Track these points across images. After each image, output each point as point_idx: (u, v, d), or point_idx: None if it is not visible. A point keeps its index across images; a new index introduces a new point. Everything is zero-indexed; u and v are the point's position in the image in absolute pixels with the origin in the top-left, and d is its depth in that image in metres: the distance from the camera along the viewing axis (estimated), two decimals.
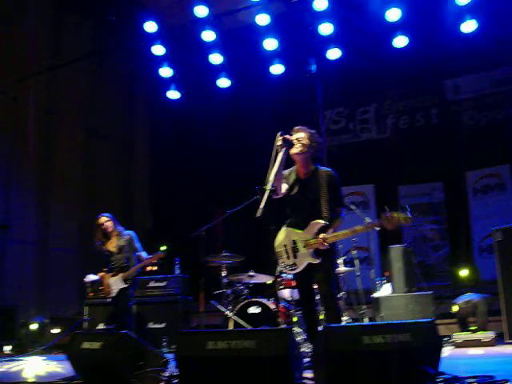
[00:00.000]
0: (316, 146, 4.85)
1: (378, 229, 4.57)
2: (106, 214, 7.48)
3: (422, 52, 9.77)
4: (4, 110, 9.80)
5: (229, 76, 9.98)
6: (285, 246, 4.80)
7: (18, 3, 10.21)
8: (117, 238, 7.39)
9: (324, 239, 4.54)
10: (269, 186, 4.27)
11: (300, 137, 4.76)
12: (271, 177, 4.37)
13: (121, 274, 7.21)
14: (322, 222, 4.62)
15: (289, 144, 4.63)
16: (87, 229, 9.61)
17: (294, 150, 4.71)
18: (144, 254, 7.34)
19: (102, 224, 7.38)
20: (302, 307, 5.03)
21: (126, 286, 7.19)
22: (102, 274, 7.45)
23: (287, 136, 4.66)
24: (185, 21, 9.63)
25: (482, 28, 8.42)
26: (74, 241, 11.06)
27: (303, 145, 4.75)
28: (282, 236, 4.86)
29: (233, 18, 9.65)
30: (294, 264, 4.73)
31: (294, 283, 6.55)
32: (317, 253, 4.63)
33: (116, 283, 7.22)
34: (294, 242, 4.72)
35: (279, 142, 4.58)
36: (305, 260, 4.66)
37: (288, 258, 4.78)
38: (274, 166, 4.48)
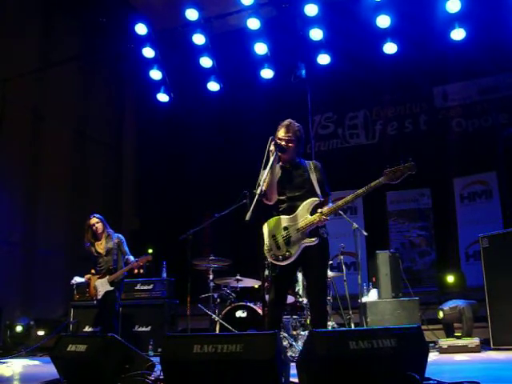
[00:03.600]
0: (303, 139, 4.84)
1: (383, 181, 4.38)
2: (97, 215, 7.47)
3: (412, 59, 9.82)
4: None
5: (219, 79, 9.96)
6: (273, 236, 4.60)
7: (4, 2, 10.14)
8: (106, 240, 7.39)
9: (322, 213, 4.45)
10: (258, 191, 4.24)
11: (289, 137, 4.72)
12: (261, 181, 4.34)
13: (107, 277, 7.20)
14: (316, 199, 4.58)
15: (281, 149, 4.60)
16: (74, 230, 9.58)
17: (287, 152, 4.68)
18: (131, 258, 7.33)
19: (93, 225, 7.38)
20: (270, 311, 4.58)
21: (111, 288, 7.17)
22: (88, 276, 7.43)
23: (279, 141, 4.64)
24: (175, 24, 9.62)
25: (471, 36, 8.47)
26: (60, 242, 10.99)
27: (293, 144, 4.73)
28: (269, 228, 4.68)
29: (223, 21, 9.64)
30: (288, 252, 4.49)
31: None
32: (312, 234, 4.51)
33: (102, 285, 7.20)
34: (286, 229, 4.53)
35: (271, 147, 4.53)
36: (300, 244, 4.49)
37: (279, 248, 4.55)
38: (265, 170, 4.45)
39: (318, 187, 4.67)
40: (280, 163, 4.77)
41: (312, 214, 4.52)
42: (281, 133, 4.73)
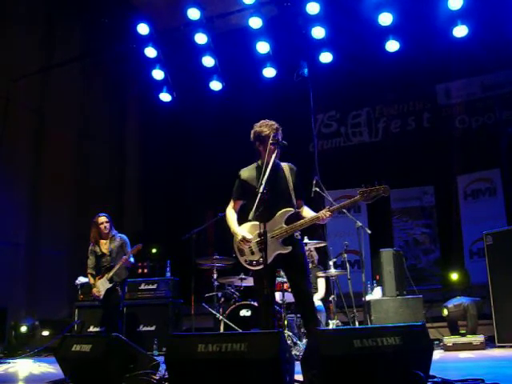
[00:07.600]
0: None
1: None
2: (105, 215, 7.49)
3: (414, 56, 9.80)
4: None
5: (221, 79, 9.97)
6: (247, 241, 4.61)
7: (8, 4, 10.15)
8: (110, 240, 7.42)
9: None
10: (261, 189, 4.24)
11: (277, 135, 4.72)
12: (263, 180, 4.33)
13: (106, 275, 7.22)
14: (291, 209, 4.58)
15: (281, 146, 4.61)
16: (78, 231, 9.58)
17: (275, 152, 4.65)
18: (132, 260, 7.37)
19: (102, 223, 7.40)
20: (262, 310, 4.67)
21: (110, 285, 7.19)
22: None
23: (280, 139, 4.64)
24: (177, 23, 9.62)
25: (474, 33, 8.45)
26: (64, 243, 11.00)
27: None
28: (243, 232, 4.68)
29: (225, 20, 9.63)
30: (262, 258, 4.42)
31: (285, 286, 6.54)
32: (285, 242, 4.53)
33: (102, 285, 7.24)
34: (260, 235, 4.43)
35: (272, 145, 4.55)
36: (274, 251, 4.49)
37: (253, 253, 4.59)
38: (266, 168, 4.45)
39: (293, 192, 4.67)
40: (259, 162, 4.80)
41: (287, 223, 4.54)
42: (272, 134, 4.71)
